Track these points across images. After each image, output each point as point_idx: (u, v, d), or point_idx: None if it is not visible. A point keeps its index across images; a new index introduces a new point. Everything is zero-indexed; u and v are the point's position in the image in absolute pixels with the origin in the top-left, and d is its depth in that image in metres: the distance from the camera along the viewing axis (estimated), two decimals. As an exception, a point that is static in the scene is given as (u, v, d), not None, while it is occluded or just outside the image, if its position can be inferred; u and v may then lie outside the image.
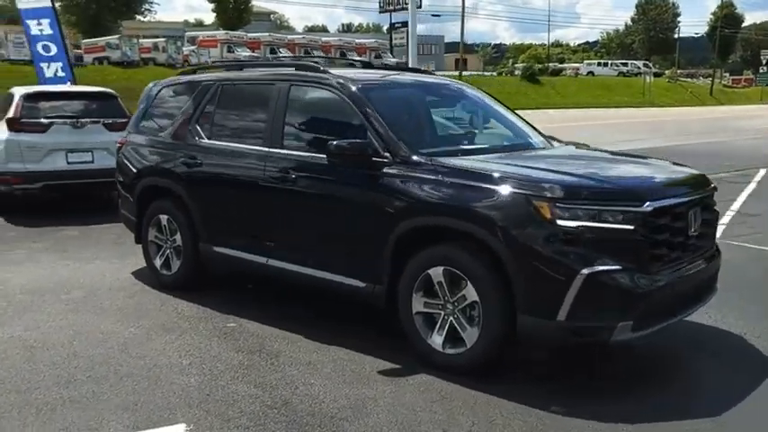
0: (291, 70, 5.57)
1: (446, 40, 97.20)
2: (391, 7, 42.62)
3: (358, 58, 41.97)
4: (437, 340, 4.43)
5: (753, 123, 32.73)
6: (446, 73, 54.79)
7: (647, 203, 4.04)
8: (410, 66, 15.91)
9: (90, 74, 30.63)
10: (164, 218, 6.15)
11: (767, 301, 6.01)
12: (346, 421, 3.80)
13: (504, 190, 4.11)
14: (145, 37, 45.89)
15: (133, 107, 7.21)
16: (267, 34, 51.30)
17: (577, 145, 5.87)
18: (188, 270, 6.06)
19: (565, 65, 78.03)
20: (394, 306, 4.63)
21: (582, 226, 3.93)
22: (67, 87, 11.24)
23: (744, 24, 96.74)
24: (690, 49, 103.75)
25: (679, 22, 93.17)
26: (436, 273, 4.38)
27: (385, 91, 5.39)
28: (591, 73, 66.81)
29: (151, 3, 63.57)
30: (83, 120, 9.45)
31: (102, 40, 41.87)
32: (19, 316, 5.49)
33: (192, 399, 4.05)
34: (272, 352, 4.76)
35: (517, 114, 6.13)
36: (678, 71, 75.53)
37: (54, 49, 14.74)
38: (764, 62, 71.22)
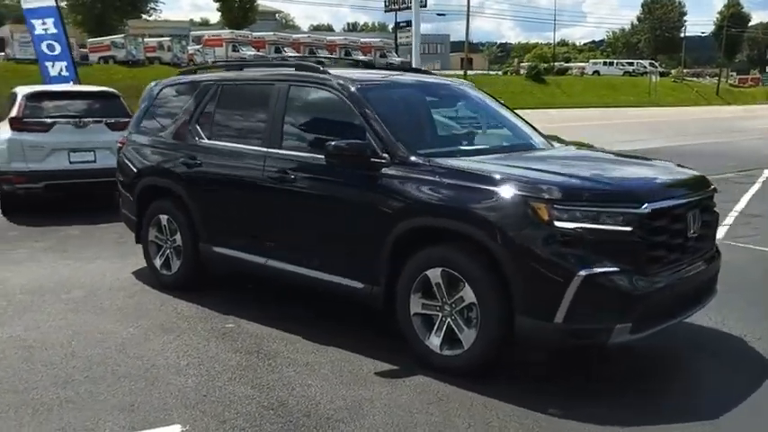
0: (291, 70, 5.57)
1: (452, 40, 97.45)
2: (396, 6, 42.50)
3: (360, 58, 42.17)
4: (435, 342, 4.42)
5: (758, 123, 32.61)
6: (451, 72, 54.82)
7: (646, 205, 4.02)
8: (414, 65, 15.86)
9: (95, 73, 30.69)
10: (164, 218, 6.16)
11: (768, 302, 5.99)
12: (342, 422, 3.79)
13: (502, 191, 4.10)
14: (150, 36, 45.89)
15: (138, 106, 7.21)
16: (272, 33, 51.29)
17: (580, 145, 5.84)
18: (188, 270, 6.06)
19: (570, 64, 77.86)
20: (392, 307, 4.62)
21: (579, 227, 3.91)
22: (70, 87, 11.27)
23: (750, 24, 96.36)
24: (696, 49, 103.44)
25: (685, 21, 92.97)
26: (434, 274, 4.37)
27: (384, 91, 5.37)
28: (596, 72, 66.64)
29: (156, 2, 63.57)
30: (85, 119, 9.47)
31: (107, 39, 41.91)
32: (19, 316, 5.50)
33: (188, 399, 4.05)
34: (270, 353, 4.76)
35: (517, 114, 6.11)
36: (684, 70, 75.23)
37: (58, 49, 14.78)
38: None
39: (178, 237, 6.05)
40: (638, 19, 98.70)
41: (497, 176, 4.22)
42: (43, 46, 14.80)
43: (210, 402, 4.01)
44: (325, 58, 40.63)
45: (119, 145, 6.88)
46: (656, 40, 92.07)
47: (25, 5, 15.54)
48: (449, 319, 4.36)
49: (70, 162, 9.31)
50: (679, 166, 5.05)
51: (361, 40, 55.57)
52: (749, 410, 4.01)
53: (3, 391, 4.15)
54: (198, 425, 3.76)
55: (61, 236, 8.30)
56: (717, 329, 5.27)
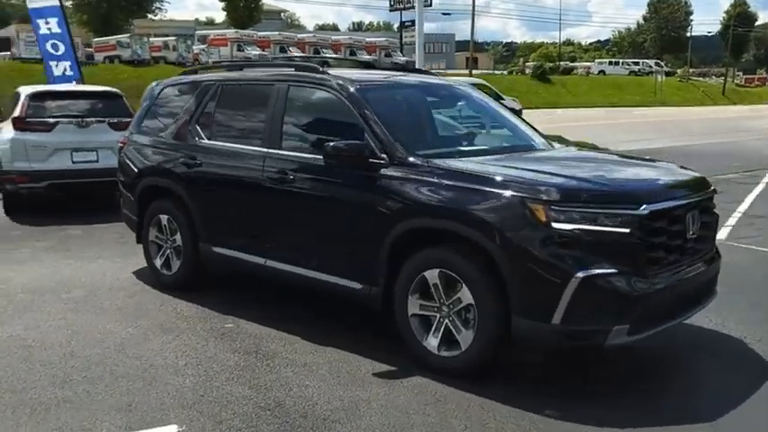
0: (290, 71, 5.57)
1: (457, 39, 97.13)
2: (401, 5, 42.36)
3: (362, 58, 42.15)
4: (432, 342, 4.41)
5: (764, 123, 32.45)
6: (456, 72, 54.75)
7: (644, 206, 4.00)
8: (417, 64, 15.85)
9: (101, 72, 30.77)
10: (164, 218, 6.17)
11: (770, 304, 5.96)
12: (339, 423, 3.79)
13: (499, 192, 4.09)
14: (156, 36, 46.02)
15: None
16: (277, 33, 51.31)
17: (583, 145, 5.83)
18: (188, 270, 6.07)
19: (576, 64, 77.72)
20: (390, 308, 4.62)
21: (577, 229, 3.90)
22: (73, 87, 11.29)
23: (757, 23, 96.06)
24: (703, 48, 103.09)
25: (691, 20, 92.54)
26: (432, 275, 4.36)
27: (383, 92, 5.37)
28: (602, 72, 66.51)
29: (162, 2, 63.78)
30: (88, 119, 9.50)
31: (112, 39, 42.01)
32: (19, 315, 5.52)
33: (185, 400, 4.05)
34: (269, 353, 4.76)
35: (517, 115, 6.10)
36: (690, 70, 74.94)
37: (62, 48, 14.82)
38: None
39: (178, 237, 6.06)
40: (644, 18, 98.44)
41: (495, 177, 4.21)
42: (47, 45, 14.84)
43: (208, 402, 4.02)
44: (331, 57, 40.64)
45: (120, 145, 6.89)
46: (662, 40, 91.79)
47: (30, 5, 15.58)
48: (446, 321, 4.36)
49: (73, 162, 9.33)
50: (681, 167, 5.03)
51: (366, 39, 55.50)
52: (747, 412, 3.99)
53: (1, 390, 4.16)
54: (194, 425, 3.76)
55: (63, 235, 8.32)
56: (717, 331, 5.25)
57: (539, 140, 5.65)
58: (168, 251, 6.21)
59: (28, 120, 9.28)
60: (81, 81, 14.28)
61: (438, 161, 4.55)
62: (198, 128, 5.93)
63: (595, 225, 3.93)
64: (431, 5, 24.16)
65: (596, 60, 78.50)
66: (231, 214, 5.65)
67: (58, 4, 15.23)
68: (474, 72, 48.38)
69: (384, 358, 4.60)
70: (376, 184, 4.59)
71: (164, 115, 6.43)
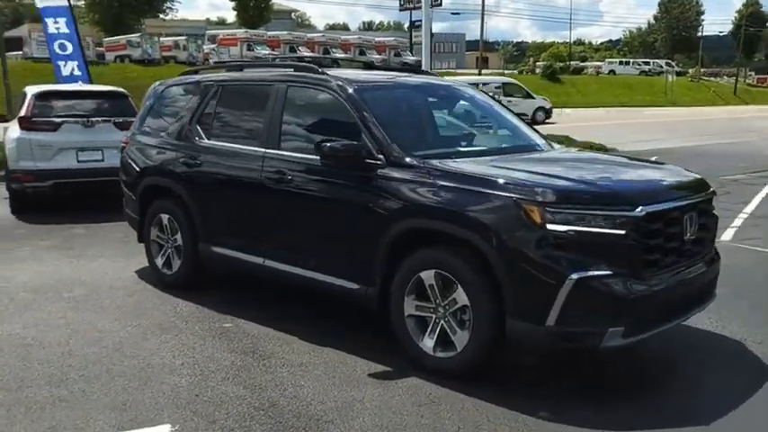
0: (290, 71, 5.57)
1: (467, 38, 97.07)
2: (411, 5, 42.36)
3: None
4: (428, 343, 4.40)
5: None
6: (466, 71, 54.68)
7: (640, 208, 3.98)
8: (424, 64, 15.82)
9: (111, 72, 30.95)
10: (165, 217, 6.19)
11: (772, 306, 5.92)
12: (332, 424, 3.79)
13: (494, 193, 4.08)
14: (167, 35, 46.19)
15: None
16: (286, 33, 51.44)
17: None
18: (188, 269, 6.09)
19: (586, 63, 77.42)
20: (386, 308, 4.62)
21: (572, 230, 3.89)
22: (79, 86, 11.32)
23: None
24: (714, 48, 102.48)
25: (703, 20, 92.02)
26: (428, 276, 4.36)
27: (382, 92, 5.37)
28: (612, 72, 66.24)
29: (173, 1, 64.02)
30: (93, 119, 9.54)
31: (123, 38, 42.25)
32: (20, 314, 5.55)
33: (180, 399, 4.06)
34: (266, 353, 4.77)
35: (518, 116, 6.08)
36: (702, 70, 74.48)
37: (70, 48, 14.90)
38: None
39: (179, 236, 6.09)
40: (655, 18, 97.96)
41: (490, 179, 4.20)
42: (55, 45, 14.94)
43: (202, 402, 4.03)
44: (340, 58, 40.68)
45: (122, 144, 6.93)
46: (673, 40, 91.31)
47: (39, 3, 15.68)
48: (442, 321, 4.35)
49: (78, 161, 9.38)
50: (682, 168, 4.99)
51: (376, 39, 55.54)
52: (745, 415, 3.96)
53: (-2, 388, 4.19)
54: (187, 425, 3.77)
55: (66, 234, 8.37)
56: (717, 333, 5.22)
57: (539, 141, 5.63)
58: (169, 250, 6.23)
59: (34, 119, 9.34)
60: (89, 81, 14.33)
61: (435, 162, 4.54)
62: (198, 128, 5.95)
63: (590, 226, 3.91)
64: (440, 5, 24.04)
65: (606, 60, 78.14)
66: (230, 214, 5.67)
67: (67, 3, 15.32)
68: (483, 72, 48.24)
69: (381, 359, 4.60)
70: (372, 184, 4.59)
71: (165, 115, 6.46)
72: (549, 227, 3.90)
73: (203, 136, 5.89)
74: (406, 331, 4.50)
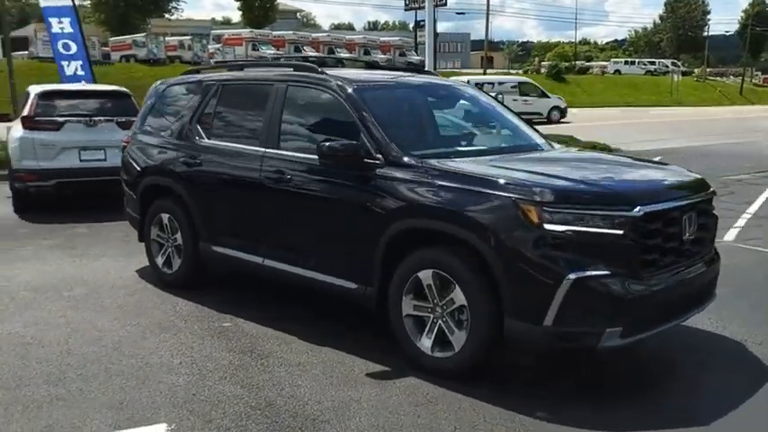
0: (289, 71, 5.57)
1: (472, 38, 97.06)
2: (416, 5, 42.32)
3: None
4: (426, 343, 4.40)
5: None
6: (471, 71, 54.61)
7: (638, 208, 3.97)
8: (427, 64, 15.82)
9: (116, 71, 31.05)
10: (165, 216, 6.20)
11: (773, 306, 5.89)
12: (328, 423, 3.79)
13: (492, 193, 4.07)
14: (173, 35, 46.26)
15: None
16: (291, 32, 51.41)
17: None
18: (188, 269, 6.09)
19: (591, 63, 77.21)
20: (385, 308, 4.61)
21: (570, 230, 3.87)
22: (82, 86, 11.35)
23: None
24: (721, 48, 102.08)
25: (709, 19, 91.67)
26: (426, 276, 4.35)
27: (381, 92, 5.35)
28: (618, 71, 66.04)
29: (179, 1, 64.16)
30: (96, 118, 9.56)
31: (128, 38, 42.33)
32: (20, 312, 5.57)
33: (177, 398, 4.06)
34: (264, 352, 4.77)
35: (518, 115, 6.07)
36: (708, 70, 74.22)
37: (74, 48, 14.94)
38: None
39: (179, 235, 6.09)
40: (661, 18, 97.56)
41: (488, 178, 4.19)
42: (59, 45, 14.98)
43: (199, 401, 4.03)
44: (345, 57, 40.70)
45: (123, 144, 6.94)
46: (679, 39, 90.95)
47: (43, 3, 15.73)
48: (440, 321, 4.34)
49: (81, 160, 9.40)
50: (684, 169, 4.97)
51: (381, 39, 55.52)
52: (743, 416, 3.94)
53: (-4, 387, 4.20)
54: (184, 424, 3.77)
55: (69, 234, 8.39)
56: (717, 333, 5.20)
57: (539, 141, 5.61)
58: (169, 250, 6.24)
59: (36, 119, 9.37)
60: (93, 81, 14.37)
61: (433, 161, 4.53)
62: (198, 127, 5.96)
63: (588, 226, 3.90)
64: (445, 4, 23.97)
65: (612, 60, 77.92)
66: (229, 214, 5.67)
67: (71, 3, 15.35)
68: (488, 71, 48.12)
69: (379, 359, 4.59)
70: (371, 184, 4.59)
71: (166, 114, 6.47)
72: (547, 227, 3.89)
73: (203, 135, 5.89)
74: (404, 331, 4.49)
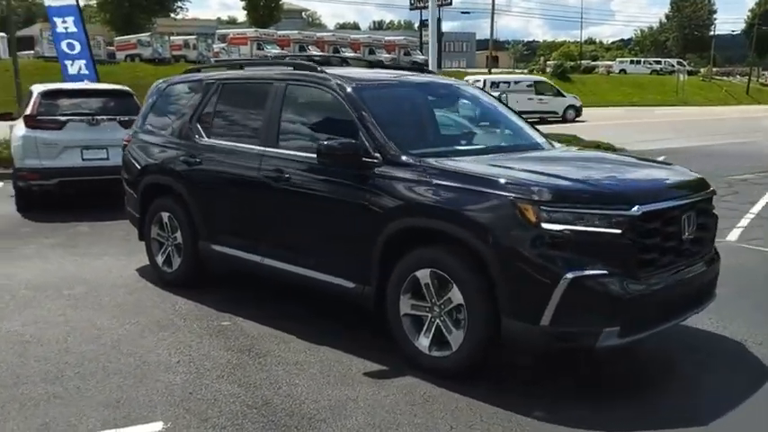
0: (289, 69, 5.56)
1: (478, 38, 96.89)
2: (421, 4, 42.42)
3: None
4: (424, 342, 4.39)
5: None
6: (476, 70, 54.52)
7: (636, 207, 3.94)
8: (430, 63, 15.81)
9: (121, 71, 31.12)
10: (165, 215, 6.21)
11: (774, 306, 5.86)
12: (324, 422, 3.78)
13: (490, 192, 4.05)
14: (178, 34, 46.41)
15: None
16: (296, 32, 51.49)
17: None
18: (188, 267, 6.10)
19: (597, 63, 77.03)
20: (383, 307, 4.60)
21: (568, 229, 3.86)
22: (84, 85, 11.38)
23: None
24: (727, 47, 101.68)
25: (715, 19, 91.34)
26: (423, 275, 4.34)
27: (381, 91, 5.34)
28: (623, 71, 65.89)
29: (184, 1, 64.30)
30: (98, 117, 9.58)
31: (133, 38, 42.48)
32: (20, 311, 5.58)
33: (173, 397, 4.06)
34: (262, 351, 4.77)
35: (519, 115, 6.05)
36: (714, 69, 73.91)
37: (78, 47, 14.98)
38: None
39: (179, 234, 6.10)
40: (667, 17, 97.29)
41: (486, 177, 4.18)
42: (63, 44, 15.02)
43: (195, 400, 4.03)
44: (350, 57, 40.68)
45: (124, 142, 6.95)
46: (685, 39, 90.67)
47: (48, 3, 15.76)
48: (438, 321, 4.33)
49: (83, 159, 9.42)
50: (684, 168, 4.95)
51: (386, 38, 55.49)
52: (743, 416, 3.92)
53: (-7, 385, 4.20)
54: (180, 422, 3.77)
55: (71, 232, 8.41)
56: (718, 333, 5.18)
57: (539, 140, 5.59)
58: (169, 248, 6.25)
59: (39, 117, 9.39)
60: (96, 80, 14.38)
61: (431, 160, 4.52)
62: (198, 126, 5.96)
63: (586, 226, 3.88)
64: (450, 4, 23.94)
65: (618, 59, 77.71)
66: (229, 212, 5.67)
67: (75, 3, 15.39)
68: (494, 71, 48.11)
69: (377, 358, 4.58)
70: (369, 183, 4.58)
71: (166, 113, 6.48)
72: (545, 226, 3.87)
73: (203, 134, 5.89)
74: (402, 330, 4.48)
